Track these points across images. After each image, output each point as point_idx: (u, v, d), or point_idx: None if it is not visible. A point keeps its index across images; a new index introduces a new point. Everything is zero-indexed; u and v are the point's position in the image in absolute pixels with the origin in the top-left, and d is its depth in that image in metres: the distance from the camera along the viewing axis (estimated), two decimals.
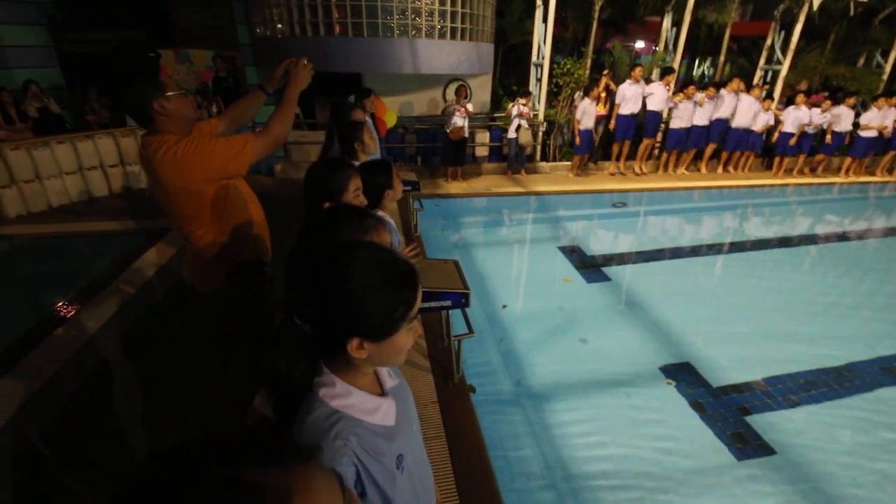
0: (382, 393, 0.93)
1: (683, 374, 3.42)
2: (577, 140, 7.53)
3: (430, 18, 6.60)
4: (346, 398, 0.84)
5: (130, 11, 13.07)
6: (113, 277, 3.86)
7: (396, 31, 6.44)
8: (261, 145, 1.86)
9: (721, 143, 8.31)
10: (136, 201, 6.06)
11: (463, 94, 6.87)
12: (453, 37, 6.86)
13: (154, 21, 12.34)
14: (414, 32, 6.56)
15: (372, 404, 0.88)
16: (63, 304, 3.61)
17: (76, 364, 2.92)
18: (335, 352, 0.84)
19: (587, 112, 7.36)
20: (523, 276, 5.09)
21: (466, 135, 7.10)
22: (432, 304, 2.59)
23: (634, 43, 13.29)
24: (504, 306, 4.12)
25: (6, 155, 5.40)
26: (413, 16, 6.49)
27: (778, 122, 8.28)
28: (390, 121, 5.89)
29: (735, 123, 8.06)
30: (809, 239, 6.21)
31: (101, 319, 3.33)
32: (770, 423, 2.94)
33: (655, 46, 9.37)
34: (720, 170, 8.57)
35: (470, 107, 6.88)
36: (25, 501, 2.07)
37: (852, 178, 8.56)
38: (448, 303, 2.61)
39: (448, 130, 6.92)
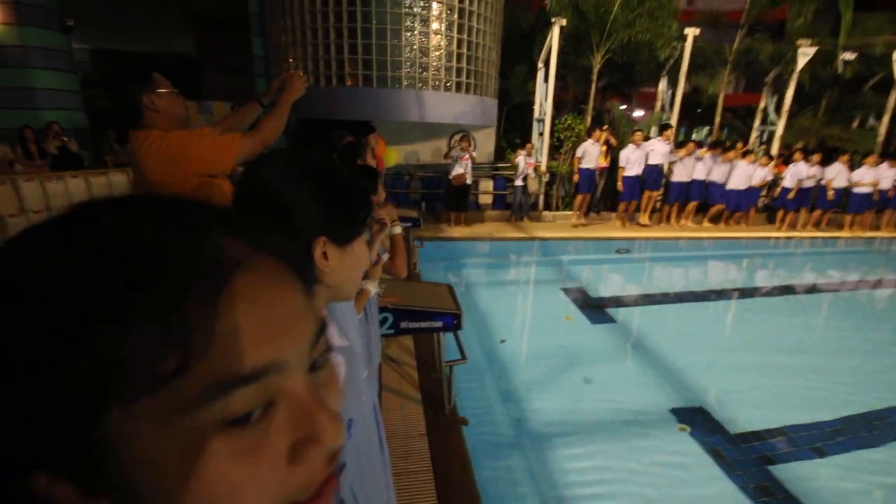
0: None
1: (698, 419, 3.15)
2: (577, 177, 7.66)
3: (436, 73, 6.98)
4: None
5: (162, 73, 14.14)
6: None
7: (405, 82, 6.79)
8: (248, 144, 1.86)
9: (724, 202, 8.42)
10: None
11: (466, 142, 7.09)
12: (458, 90, 7.21)
13: (186, 83, 13.28)
14: (420, 85, 6.91)
15: None
16: None
17: None
18: None
19: (588, 152, 7.53)
20: (524, 315, 4.93)
21: (469, 181, 7.23)
22: (423, 324, 2.46)
23: (633, 110, 13.94)
24: (503, 341, 3.93)
25: (19, 186, 5.54)
26: (420, 70, 6.88)
27: (777, 178, 8.43)
28: (389, 160, 6.03)
29: (730, 186, 8.19)
30: (819, 289, 6.03)
31: None
32: (796, 474, 2.65)
33: (653, 111, 9.79)
34: (722, 224, 8.57)
35: (474, 153, 7.07)
36: None
37: (857, 233, 8.50)
38: (440, 324, 2.48)
39: (450, 177, 7.07)
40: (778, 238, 8.17)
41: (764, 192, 8.59)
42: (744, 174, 8.09)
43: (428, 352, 3.16)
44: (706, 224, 8.51)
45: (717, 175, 8.16)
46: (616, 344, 4.19)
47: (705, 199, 8.38)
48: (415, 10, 6.67)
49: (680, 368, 3.77)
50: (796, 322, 4.87)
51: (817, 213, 8.58)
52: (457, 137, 8.30)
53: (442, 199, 7.85)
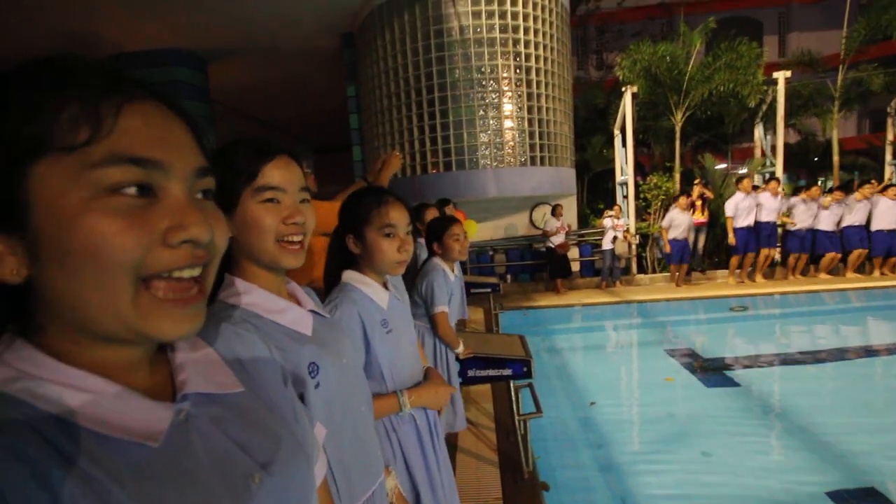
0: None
1: (868, 503, 2.42)
2: (667, 248, 7.04)
3: (511, 151, 7.39)
4: (247, 295, 0.74)
5: None
6: None
7: (481, 162, 7.28)
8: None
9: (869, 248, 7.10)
10: None
11: (559, 212, 7.22)
12: (533, 164, 7.48)
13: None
14: (496, 163, 7.33)
15: (278, 305, 0.77)
16: None
17: None
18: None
19: (675, 221, 6.95)
20: (624, 379, 4.44)
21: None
22: (491, 372, 2.37)
23: (732, 168, 12.96)
24: (592, 403, 3.53)
25: None
26: (496, 150, 7.35)
27: None
28: (470, 232, 6.24)
29: (875, 227, 6.93)
30: None
31: None
32: None
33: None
34: (877, 273, 7.11)
35: (567, 223, 7.41)
36: None
37: None
38: (509, 372, 2.37)
39: (554, 246, 7.14)
40: None
41: None
42: (891, 211, 6.85)
43: (506, 413, 2.97)
44: (850, 275, 7.14)
45: (855, 218, 7.00)
46: (739, 411, 3.51)
47: (843, 248, 7.14)
48: (487, 101, 7.34)
49: (833, 441, 3.01)
50: None
51: None
52: (539, 210, 8.38)
53: (528, 270, 7.92)
